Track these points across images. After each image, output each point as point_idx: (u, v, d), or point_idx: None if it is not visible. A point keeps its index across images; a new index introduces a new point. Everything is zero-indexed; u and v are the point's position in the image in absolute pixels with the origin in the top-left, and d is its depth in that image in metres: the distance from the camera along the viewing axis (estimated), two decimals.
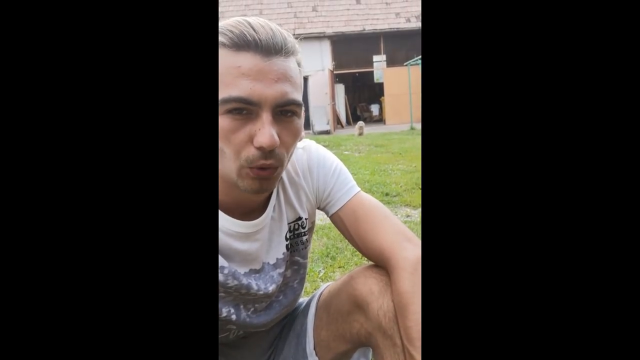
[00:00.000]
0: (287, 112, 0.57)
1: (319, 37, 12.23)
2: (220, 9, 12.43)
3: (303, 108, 0.61)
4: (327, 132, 11.12)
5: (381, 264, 0.69)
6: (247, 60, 0.54)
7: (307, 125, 11.93)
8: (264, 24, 0.56)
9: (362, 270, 0.71)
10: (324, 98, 11.68)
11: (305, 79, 11.70)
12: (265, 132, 0.54)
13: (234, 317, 0.70)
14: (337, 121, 12.45)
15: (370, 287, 0.67)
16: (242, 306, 0.71)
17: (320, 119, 11.55)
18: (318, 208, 0.76)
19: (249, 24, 0.55)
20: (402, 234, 0.69)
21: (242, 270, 0.68)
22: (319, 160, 0.73)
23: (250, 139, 0.55)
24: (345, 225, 0.72)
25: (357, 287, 0.68)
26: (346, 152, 6.05)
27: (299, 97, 0.58)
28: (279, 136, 0.56)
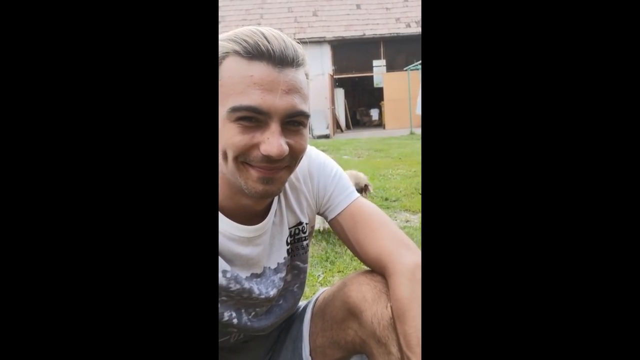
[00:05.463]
0: (295, 122, 0.58)
1: (319, 41, 12.27)
2: (221, 14, 12.46)
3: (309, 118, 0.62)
4: (326, 137, 11.13)
5: (379, 270, 0.70)
6: (260, 70, 0.55)
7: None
8: (277, 35, 0.57)
9: (356, 276, 0.72)
10: (324, 102, 11.70)
11: None
12: (274, 141, 0.55)
13: (235, 321, 0.70)
14: (337, 125, 12.47)
15: (364, 294, 0.67)
16: (243, 310, 0.71)
17: (320, 124, 11.57)
18: (318, 213, 0.77)
19: (263, 34, 0.56)
20: (400, 241, 0.69)
21: (244, 274, 0.69)
22: (319, 166, 0.74)
23: (257, 146, 0.56)
24: (344, 230, 0.73)
25: (350, 294, 0.69)
26: (345, 157, 6.05)
27: (307, 108, 0.59)
28: (288, 145, 0.57)
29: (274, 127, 0.56)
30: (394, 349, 0.62)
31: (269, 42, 0.55)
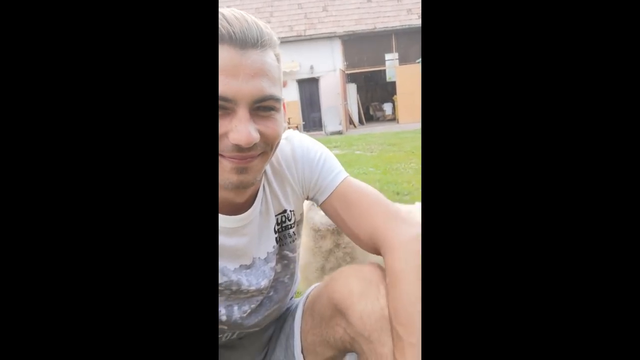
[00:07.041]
0: (265, 107, 0.56)
1: (329, 37, 12.21)
2: None
3: (282, 102, 0.59)
4: (339, 133, 11.10)
5: (375, 248, 0.66)
6: (222, 55, 0.52)
7: (320, 126, 11.92)
8: (239, 16, 0.55)
9: (343, 269, 0.68)
10: (336, 98, 11.66)
11: (317, 79, 11.71)
12: (242, 129, 0.53)
13: (224, 317, 0.68)
14: (350, 121, 12.41)
15: (351, 288, 0.62)
16: (235, 307, 0.69)
17: (333, 120, 11.53)
18: (307, 199, 0.74)
19: (223, 16, 0.54)
20: (395, 215, 0.66)
21: (231, 266, 0.67)
22: (302, 151, 0.71)
23: (226, 134, 0.54)
24: (337, 211, 0.70)
25: (336, 289, 0.64)
26: (358, 152, 6.02)
27: (277, 91, 0.56)
28: (259, 132, 0.55)
29: (242, 113, 0.53)
30: (386, 349, 0.58)
31: (229, 24, 0.52)
